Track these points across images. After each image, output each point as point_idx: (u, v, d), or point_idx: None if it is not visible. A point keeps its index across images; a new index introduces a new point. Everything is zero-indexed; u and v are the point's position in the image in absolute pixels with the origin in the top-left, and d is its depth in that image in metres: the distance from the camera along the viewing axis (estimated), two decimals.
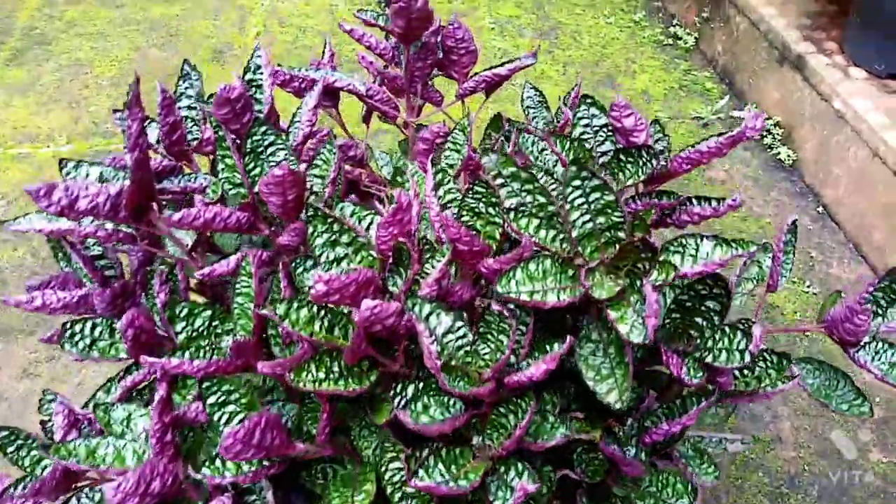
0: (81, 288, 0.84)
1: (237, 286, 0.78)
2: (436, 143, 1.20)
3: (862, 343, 0.87)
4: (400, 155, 1.07)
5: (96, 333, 0.82)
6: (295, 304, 0.71)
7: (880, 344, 0.87)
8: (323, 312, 0.72)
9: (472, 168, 1.03)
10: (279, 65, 1.11)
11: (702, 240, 0.73)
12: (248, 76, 0.93)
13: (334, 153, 0.92)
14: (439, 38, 1.10)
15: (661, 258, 0.71)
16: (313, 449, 0.77)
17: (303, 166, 0.87)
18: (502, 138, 1.15)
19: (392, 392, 0.74)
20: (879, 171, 1.82)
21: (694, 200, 0.82)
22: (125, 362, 0.84)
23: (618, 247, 0.69)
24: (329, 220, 0.76)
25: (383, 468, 0.77)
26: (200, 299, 0.93)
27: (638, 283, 0.69)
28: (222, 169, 0.84)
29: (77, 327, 0.82)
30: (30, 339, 1.66)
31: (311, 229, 0.76)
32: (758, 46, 2.36)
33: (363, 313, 0.70)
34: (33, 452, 0.83)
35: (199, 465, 0.75)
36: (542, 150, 1.03)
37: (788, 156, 2.17)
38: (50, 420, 0.89)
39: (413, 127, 1.19)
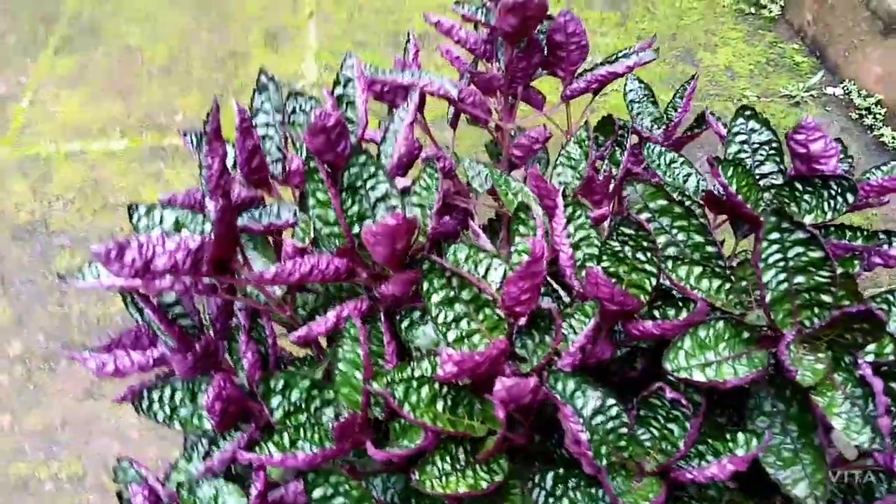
0: (156, 345, 0.73)
1: (339, 350, 0.66)
2: (533, 149, 1.06)
3: None
4: (495, 170, 0.93)
5: (176, 400, 0.71)
6: (414, 384, 0.59)
7: None
8: (446, 390, 0.60)
9: (588, 189, 0.89)
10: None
11: None
12: (338, 91, 0.80)
13: (437, 178, 0.79)
14: (545, 33, 0.95)
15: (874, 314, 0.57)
16: None
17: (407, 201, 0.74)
18: (614, 146, 1.00)
19: (529, 483, 0.62)
20: None
21: (886, 236, 0.67)
22: None
23: (824, 313, 0.54)
24: (447, 275, 0.63)
25: None
26: (289, 344, 0.81)
27: (848, 359, 0.54)
28: (314, 205, 0.71)
29: (155, 395, 0.71)
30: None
31: (426, 285, 0.64)
32: (856, 15, 2.14)
33: (499, 393, 0.58)
34: None
35: None
36: (671, 162, 0.88)
37: (894, 137, 1.97)
38: (127, 488, 0.79)
39: (508, 132, 1.05)
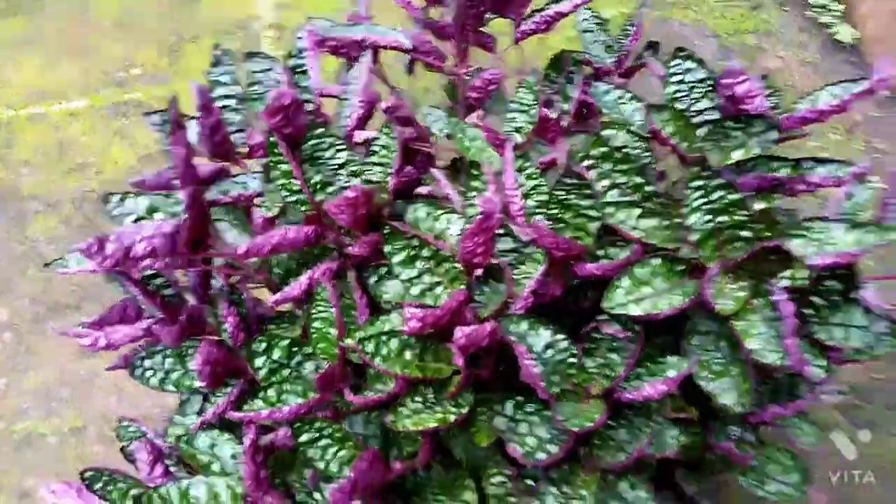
0: (142, 318, 0.79)
1: (313, 310, 0.72)
2: (489, 90, 1.10)
3: None
4: (452, 119, 0.97)
5: (167, 365, 0.77)
6: (383, 337, 0.65)
7: None
8: (413, 340, 0.66)
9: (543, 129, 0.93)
10: (310, 18, 1.00)
11: (831, 225, 0.65)
12: (293, 62, 0.83)
13: (395, 138, 0.83)
14: None
15: (784, 248, 0.63)
16: (411, 467, 0.73)
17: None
18: (565, 83, 1.04)
19: (489, 411, 0.69)
20: None
21: (812, 165, 0.72)
22: None
23: (746, 246, 0.61)
24: (407, 237, 0.68)
25: (484, 481, 0.73)
26: (267, 294, 0.86)
27: (765, 288, 0.61)
28: (277, 177, 0.76)
29: (147, 362, 0.77)
30: (78, 314, 1.64)
31: (388, 248, 0.69)
32: None
33: (458, 341, 0.64)
34: (120, 485, 0.81)
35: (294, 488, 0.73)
36: (619, 98, 0.93)
37: (850, 35, 2.00)
38: (130, 444, 0.86)
39: (462, 76, 1.08)
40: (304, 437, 0.69)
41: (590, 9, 1.16)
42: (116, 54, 2.21)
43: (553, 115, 0.96)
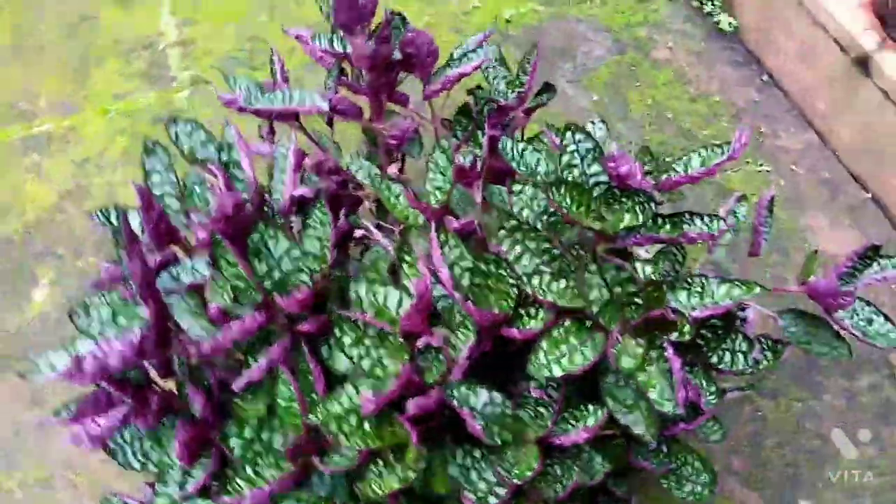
0: (115, 405, 0.86)
1: (276, 389, 0.81)
2: (405, 138, 1.18)
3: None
4: (377, 178, 1.05)
5: (146, 448, 0.85)
6: (343, 414, 0.75)
7: (857, 302, 0.96)
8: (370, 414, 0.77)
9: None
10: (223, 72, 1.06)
11: (708, 281, 0.78)
12: (224, 157, 0.90)
13: (327, 214, 0.91)
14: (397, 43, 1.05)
15: (670, 302, 0.76)
16: None
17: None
18: (474, 129, 1.14)
19: (443, 463, 0.80)
20: (821, 36, 1.84)
21: (689, 220, 0.85)
22: None
23: (639, 311, 0.73)
24: (353, 321, 0.78)
25: None
26: None
27: (658, 343, 0.74)
28: (225, 267, 0.83)
29: (127, 448, 0.84)
30: (21, 363, 1.66)
31: (337, 331, 0.78)
32: None
33: (411, 411, 0.75)
34: None
35: None
36: (523, 151, 1.03)
37: (730, 23, 2.16)
38: None
39: (380, 130, 1.16)
40: None
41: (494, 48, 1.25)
42: (16, 83, 2.16)
43: (467, 163, 1.06)
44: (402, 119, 1.14)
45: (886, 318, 0.94)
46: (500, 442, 0.77)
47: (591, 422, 0.75)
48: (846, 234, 1.78)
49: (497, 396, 0.78)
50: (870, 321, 0.93)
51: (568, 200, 0.83)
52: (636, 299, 0.73)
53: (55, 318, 1.72)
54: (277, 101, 1.05)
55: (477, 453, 0.81)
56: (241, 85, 1.17)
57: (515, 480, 0.73)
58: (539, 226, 0.94)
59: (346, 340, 0.79)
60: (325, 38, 1.02)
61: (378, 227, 1.14)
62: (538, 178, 1.04)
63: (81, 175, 1.95)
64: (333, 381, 0.84)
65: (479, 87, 1.23)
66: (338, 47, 1.01)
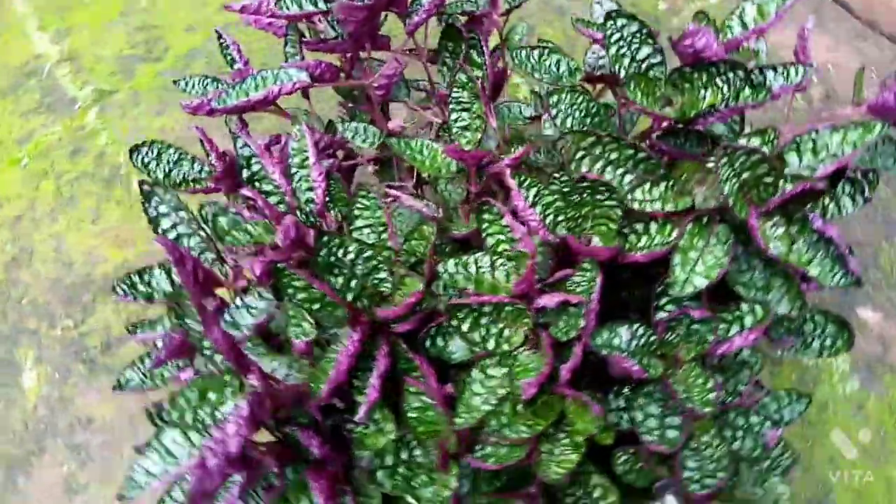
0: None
1: (407, 405, 0.72)
2: (392, 83, 1.06)
3: None
4: (393, 139, 0.93)
5: None
6: (496, 410, 0.67)
7: None
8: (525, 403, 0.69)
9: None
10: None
11: (818, 133, 0.71)
12: (245, 173, 0.77)
13: (374, 198, 0.80)
14: None
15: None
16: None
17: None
18: (467, 51, 1.02)
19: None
20: None
21: (765, 76, 0.77)
22: None
23: (769, 191, 0.66)
24: (467, 305, 0.69)
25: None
26: None
27: (800, 218, 0.67)
28: (294, 293, 0.72)
29: None
30: (44, 458, 1.52)
31: (454, 321, 0.69)
32: None
33: (565, 376, 0.68)
34: None
35: None
36: (540, 57, 0.93)
37: None
38: None
39: (370, 85, 1.03)
40: None
41: None
42: None
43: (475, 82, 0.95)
44: (387, 64, 1.02)
45: None
46: (657, 374, 0.71)
47: (749, 321, 0.69)
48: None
49: (639, 329, 0.71)
50: None
51: (640, 94, 0.74)
52: (767, 179, 0.66)
53: (56, 397, 1.58)
54: (252, 89, 0.91)
55: (627, 390, 0.75)
56: (194, 87, 1.02)
57: (697, 405, 0.66)
58: None
59: (465, 326, 0.70)
60: (291, 2, 0.87)
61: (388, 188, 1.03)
62: (560, 80, 0.94)
63: (20, 236, 1.75)
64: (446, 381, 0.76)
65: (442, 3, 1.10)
66: (305, 6, 0.87)
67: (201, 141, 1.00)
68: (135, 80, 1.93)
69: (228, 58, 0.99)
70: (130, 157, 0.97)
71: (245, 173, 0.76)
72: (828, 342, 0.86)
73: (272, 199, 0.76)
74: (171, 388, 0.71)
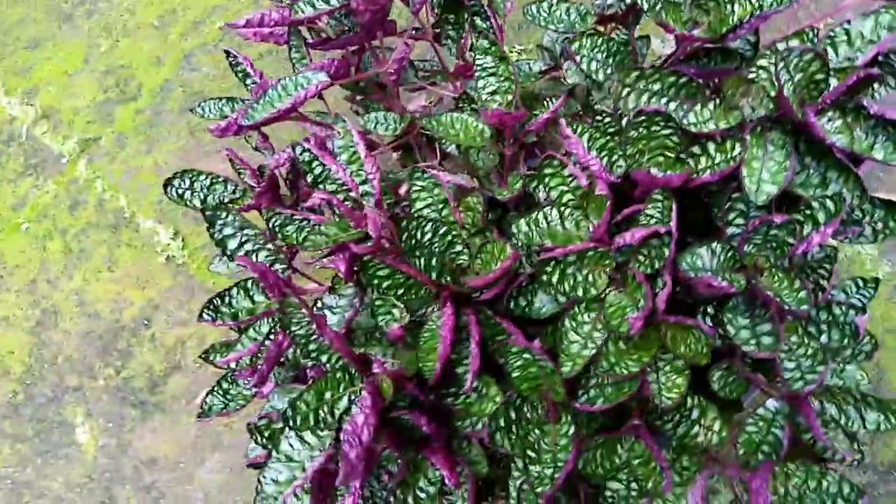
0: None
1: (511, 366, 0.74)
2: (403, 67, 1.07)
3: None
4: (422, 119, 0.94)
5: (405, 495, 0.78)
6: (590, 347, 0.69)
7: None
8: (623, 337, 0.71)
9: None
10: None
11: (850, 23, 0.73)
12: (309, 178, 0.77)
13: (429, 178, 0.81)
14: None
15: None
16: None
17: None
18: (467, 16, 1.03)
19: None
20: None
21: None
22: None
23: (822, 88, 0.68)
24: (552, 260, 0.70)
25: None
26: None
27: (853, 106, 0.70)
28: (379, 284, 0.74)
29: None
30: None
31: (543, 277, 0.71)
32: None
33: (662, 307, 0.70)
34: None
35: None
36: (550, 8, 0.94)
37: None
38: None
39: (387, 72, 1.04)
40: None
41: None
42: None
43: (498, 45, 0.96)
44: (398, 48, 1.02)
45: None
46: (741, 286, 0.73)
47: (822, 217, 0.71)
48: None
49: (717, 247, 0.73)
50: None
51: (670, 18, 0.75)
52: (818, 76, 0.67)
53: (114, 444, 1.58)
54: (277, 100, 0.91)
55: (711, 310, 0.77)
56: (211, 111, 1.02)
57: (793, 305, 0.69)
58: (609, 72, 0.87)
59: (554, 279, 0.71)
60: (303, 3, 0.87)
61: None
62: (574, 28, 0.95)
63: (40, 299, 1.73)
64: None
65: None
66: (319, 6, 0.87)
67: (231, 161, 1.00)
68: (116, 124, 1.91)
69: (241, 74, 0.99)
70: (165, 191, 0.97)
71: (309, 177, 0.76)
72: (879, 225, 0.88)
73: (339, 198, 0.77)
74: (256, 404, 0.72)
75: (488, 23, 1.01)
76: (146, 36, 2.02)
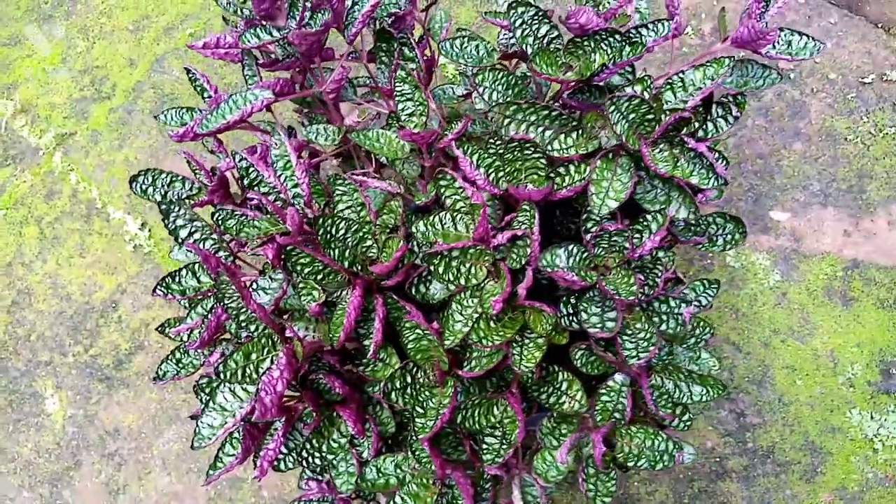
0: (267, 430, 0.94)
1: (405, 339, 0.92)
2: (340, 86, 1.24)
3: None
4: (331, 128, 1.12)
5: (313, 444, 0.95)
6: (474, 326, 0.87)
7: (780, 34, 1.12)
8: (495, 317, 0.89)
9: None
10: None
11: (684, 73, 0.91)
12: (245, 181, 0.94)
13: (350, 184, 0.98)
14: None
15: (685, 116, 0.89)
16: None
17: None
18: (399, 49, 1.20)
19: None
20: None
21: (642, 34, 0.97)
22: None
23: (654, 126, 0.87)
24: (440, 257, 0.88)
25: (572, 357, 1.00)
26: None
27: (678, 140, 0.88)
28: (301, 269, 0.91)
29: (287, 453, 0.94)
30: (87, 469, 1.67)
31: (431, 268, 0.89)
32: None
33: (523, 294, 0.88)
34: None
35: None
36: (461, 46, 1.12)
37: None
38: None
39: (325, 91, 1.21)
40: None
41: None
42: None
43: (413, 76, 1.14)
44: (335, 71, 1.19)
45: (801, 34, 1.11)
46: (592, 280, 0.91)
47: (654, 227, 0.90)
48: None
49: (574, 248, 0.92)
50: (789, 43, 1.09)
51: (544, 66, 0.93)
52: (649, 116, 0.86)
53: (81, 415, 1.73)
54: (228, 112, 1.08)
55: (573, 299, 0.95)
56: (173, 118, 1.19)
57: (623, 297, 0.87)
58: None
59: (440, 269, 0.89)
60: (249, 34, 1.04)
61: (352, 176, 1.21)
62: (482, 63, 1.13)
63: (15, 281, 1.88)
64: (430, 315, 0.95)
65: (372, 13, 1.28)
66: (263, 37, 1.04)
67: (188, 162, 1.17)
68: (91, 121, 2.05)
69: (199, 88, 1.15)
70: (130, 186, 1.13)
71: (245, 181, 0.93)
72: (728, 237, 1.08)
73: (270, 198, 0.94)
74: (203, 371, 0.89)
75: (414, 52, 1.18)
76: (121, 39, 2.17)
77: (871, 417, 1.61)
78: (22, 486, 1.68)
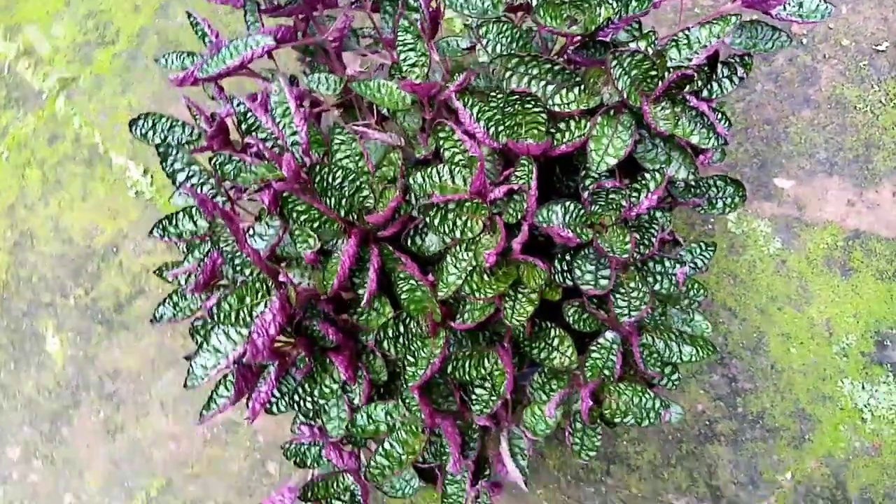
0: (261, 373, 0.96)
1: (399, 290, 0.92)
2: (343, 35, 1.23)
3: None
4: (356, 83, 1.11)
5: (306, 389, 0.97)
6: (468, 279, 0.88)
7: None
8: (489, 270, 0.89)
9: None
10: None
11: (689, 30, 0.90)
12: (244, 126, 0.94)
13: (348, 134, 0.98)
14: None
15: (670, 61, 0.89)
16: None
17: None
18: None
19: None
20: None
21: None
22: None
23: (656, 83, 0.86)
24: (436, 207, 0.88)
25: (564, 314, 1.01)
26: None
27: (681, 99, 0.87)
28: (298, 216, 0.91)
29: (281, 397, 0.95)
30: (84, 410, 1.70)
31: (427, 219, 0.89)
32: None
33: (517, 249, 0.88)
34: None
35: None
36: None
37: None
38: None
39: (327, 38, 1.20)
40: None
41: None
42: None
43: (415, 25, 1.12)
44: (338, 19, 1.18)
45: None
46: (588, 238, 0.91)
47: (652, 186, 0.90)
48: None
49: (571, 205, 0.92)
50: (801, 5, 1.07)
51: (548, 18, 0.92)
52: (652, 73, 0.85)
53: (81, 356, 1.75)
54: (229, 57, 1.07)
55: (568, 256, 0.96)
56: (174, 62, 1.18)
57: (618, 255, 0.87)
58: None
59: (436, 221, 0.89)
60: None
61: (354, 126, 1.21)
62: (487, 14, 1.11)
63: (17, 223, 1.89)
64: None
65: None
66: None
67: (188, 108, 1.16)
68: (94, 65, 2.04)
69: (200, 33, 1.14)
70: (130, 130, 1.13)
71: (243, 126, 0.93)
72: (728, 200, 1.07)
73: (268, 145, 0.93)
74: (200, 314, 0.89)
75: (418, 2, 1.16)
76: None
77: (863, 388, 1.62)
78: (23, 422, 1.71)
